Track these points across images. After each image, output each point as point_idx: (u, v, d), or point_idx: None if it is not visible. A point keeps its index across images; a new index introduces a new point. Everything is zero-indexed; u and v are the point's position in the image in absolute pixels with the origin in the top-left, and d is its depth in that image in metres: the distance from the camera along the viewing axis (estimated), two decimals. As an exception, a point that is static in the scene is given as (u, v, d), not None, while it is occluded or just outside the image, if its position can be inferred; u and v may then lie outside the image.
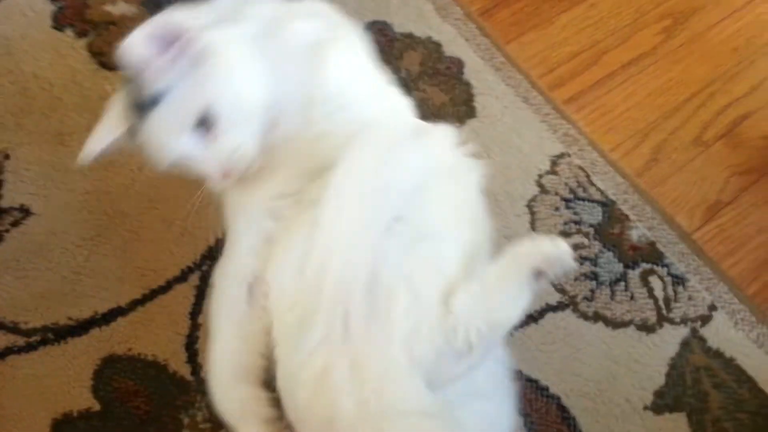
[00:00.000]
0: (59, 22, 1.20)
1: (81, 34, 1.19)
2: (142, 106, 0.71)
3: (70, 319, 0.96)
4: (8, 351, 0.93)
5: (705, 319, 1.02)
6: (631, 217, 1.09)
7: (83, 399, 0.91)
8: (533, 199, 1.10)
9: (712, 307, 1.03)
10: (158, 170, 0.75)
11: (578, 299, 1.02)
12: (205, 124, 0.71)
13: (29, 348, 0.93)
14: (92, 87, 1.14)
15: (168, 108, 0.70)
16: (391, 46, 1.23)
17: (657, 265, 1.06)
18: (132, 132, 0.74)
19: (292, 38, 0.77)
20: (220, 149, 0.72)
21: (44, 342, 0.94)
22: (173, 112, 0.70)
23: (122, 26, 1.20)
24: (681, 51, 1.30)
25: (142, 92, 0.70)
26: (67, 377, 0.92)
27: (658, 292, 1.03)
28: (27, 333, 0.95)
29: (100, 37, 1.19)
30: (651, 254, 1.06)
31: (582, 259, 1.05)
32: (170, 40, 0.69)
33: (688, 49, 1.30)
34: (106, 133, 0.75)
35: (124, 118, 0.74)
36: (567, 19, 1.32)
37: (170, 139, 0.71)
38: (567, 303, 1.01)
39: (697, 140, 1.20)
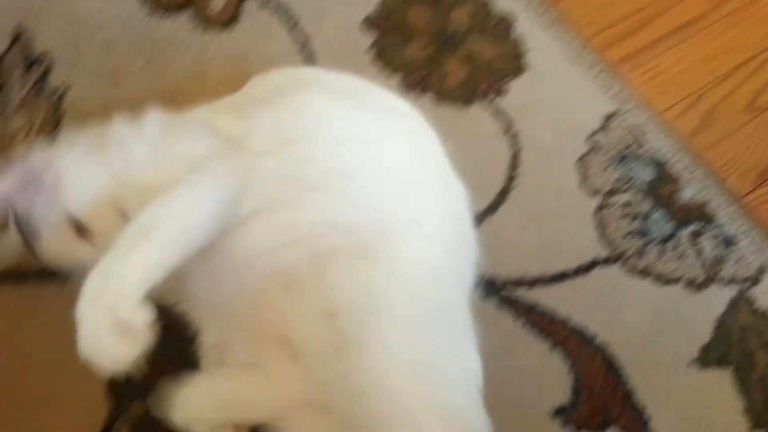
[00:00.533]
0: (112, -33, 1.20)
1: (134, -23, 1.19)
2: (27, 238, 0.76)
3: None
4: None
5: (753, 281, 1.02)
6: (683, 177, 1.09)
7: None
8: (584, 157, 1.09)
9: (761, 270, 1.03)
10: None
11: (627, 255, 1.02)
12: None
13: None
14: (144, 31, 1.14)
15: (47, 231, 0.74)
16: (439, 1, 1.22)
17: (707, 225, 1.05)
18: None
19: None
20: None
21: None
22: (51, 231, 0.74)
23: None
24: (733, 17, 1.28)
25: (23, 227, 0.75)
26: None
27: (707, 253, 1.03)
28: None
29: (152, -19, 1.19)
30: (701, 215, 1.06)
31: (632, 217, 1.05)
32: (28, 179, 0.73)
33: (740, 15, 1.28)
34: None
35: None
36: (619, -21, 1.30)
37: (64, 252, 0.76)
38: (616, 258, 1.01)
39: (750, 106, 1.19)
